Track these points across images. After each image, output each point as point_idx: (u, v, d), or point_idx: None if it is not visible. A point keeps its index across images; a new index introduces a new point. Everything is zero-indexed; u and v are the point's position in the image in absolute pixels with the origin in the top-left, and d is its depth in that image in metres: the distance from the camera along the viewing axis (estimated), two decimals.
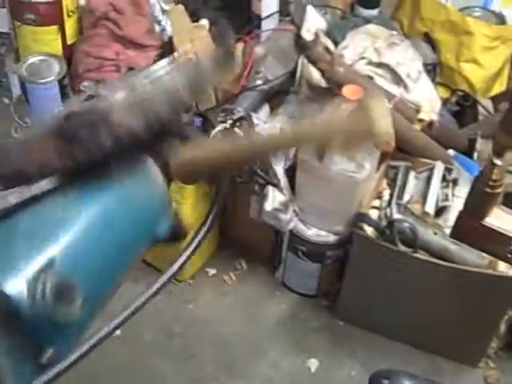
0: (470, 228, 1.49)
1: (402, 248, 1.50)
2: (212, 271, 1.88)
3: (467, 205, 1.49)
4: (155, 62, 1.92)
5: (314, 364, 1.69)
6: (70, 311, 0.59)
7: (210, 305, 1.80)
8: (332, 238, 1.67)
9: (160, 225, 0.81)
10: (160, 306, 1.77)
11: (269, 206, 1.60)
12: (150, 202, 0.76)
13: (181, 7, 1.96)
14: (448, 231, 1.55)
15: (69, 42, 1.90)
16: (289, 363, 1.69)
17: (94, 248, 0.66)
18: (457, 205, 1.58)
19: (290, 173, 1.63)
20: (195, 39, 1.79)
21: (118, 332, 1.69)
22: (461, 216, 1.51)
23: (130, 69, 1.91)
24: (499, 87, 1.98)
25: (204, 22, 1.99)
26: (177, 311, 1.78)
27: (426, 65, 1.78)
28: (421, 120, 1.62)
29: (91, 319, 0.61)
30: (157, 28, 2.04)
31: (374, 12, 1.97)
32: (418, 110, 1.63)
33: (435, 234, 1.53)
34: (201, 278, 1.86)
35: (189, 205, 1.69)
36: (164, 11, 2.06)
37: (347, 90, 1.48)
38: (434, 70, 1.88)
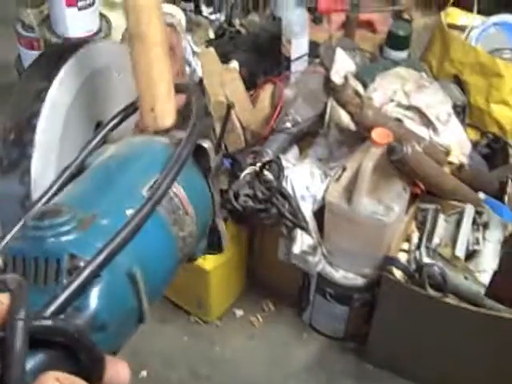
0: (505, 288, 1.47)
1: (432, 292, 1.48)
2: (239, 312, 1.87)
3: (501, 265, 1.48)
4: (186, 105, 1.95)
5: None
6: None
7: (237, 347, 1.79)
8: (360, 281, 1.65)
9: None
10: (187, 346, 1.76)
11: (297, 248, 1.59)
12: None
13: (211, 50, 1.99)
14: (478, 276, 1.53)
15: None
16: None
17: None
18: (487, 249, 1.56)
19: (319, 215, 1.62)
20: (226, 82, 1.81)
21: (144, 373, 1.70)
22: (495, 276, 1.49)
23: None
24: None
25: (234, 63, 2.02)
26: (204, 353, 1.77)
27: (455, 107, 1.77)
28: (450, 163, 1.61)
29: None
30: (187, 70, 2.07)
31: (403, 54, 1.98)
32: (447, 153, 1.62)
33: (466, 278, 1.51)
34: (228, 319, 1.85)
35: None
36: (195, 53, 2.10)
37: (376, 134, 1.49)
38: (464, 112, 1.87)
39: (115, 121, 0.73)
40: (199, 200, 0.65)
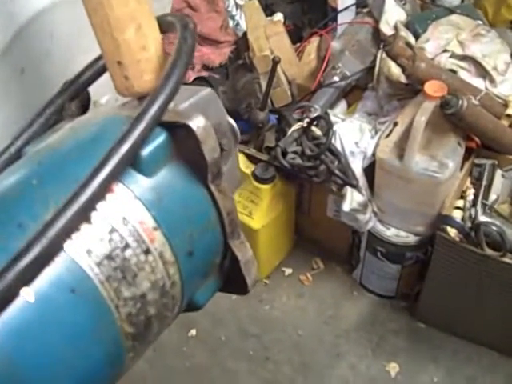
0: None
1: (489, 252, 1.43)
2: (288, 271, 1.85)
3: None
4: (230, 58, 1.91)
5: (394, 368, 1.64)
6: None
7: (287, 306, 1.78)
8: (412, 239, 1.61)
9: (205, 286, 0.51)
10: (236, 305, 1.76)
11: (347, 206, 1.55)
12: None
13: (255, 2, 1.93)
14: None
15: None
16: (367, 367, 1.65)
17: None
18: None
19: (369, 172, 1.57)
20: (271, 36, 1.76)
21: (194, 332, 1.71)
22: None
23: (205, 66, 1.90)
24: None
25: (279, 16, 1.96)
26: (253, 312, 1.76)
27: None
28: (509, 115, 1.53)
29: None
30: (230, 23, 2.02)
31: (457, 1, 1.87)
32: (505, 105, 1.54)
33: None
34: (277, 277, 1.84)
35: (264, 205, 1.66)
36: (238, 6, 2.04)
37: (429, 87, 1.42)
38: None
39: (71, 89, 0.54)
40: (187, 221, 0.45)
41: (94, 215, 0.40)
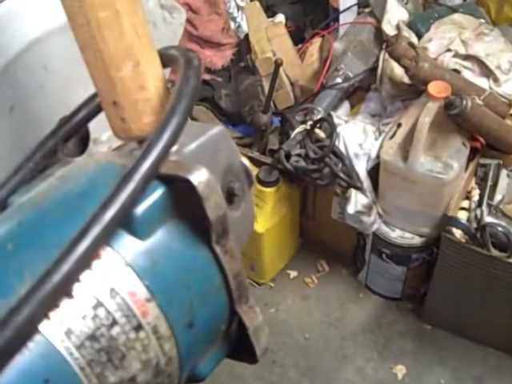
0: None
1: (495, 252, 1.42)
2: (293, 273, 1.84)
3: None
4: (232, 61, 1.90)
5: (400, 370, 1.63)
6: None
7: (292, 309, 1.77)
8: (418, 241, 1.60)
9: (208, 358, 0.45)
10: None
11: (351, 208, 1.54)
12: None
13: (256, 3, 1.92)
14: None
15: None
16: (374, 369, 1.64)
17: None
18: None
19: (373, 174, 1.56)
20: (273, 38, 1.75)
21: None
22: None
23: (207, 69, 1.89)
24: None
25: (280, 17, 1.95)
26: None
27: None
28: None
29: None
30: (232, 25, 2.01)
31: None
32: (510, 104, 1.53)
33: None
34: (282, 280, 1.83)
35: (268, 208, 1.66)
36: (239, 7, 2.04)
37: (433, 87, 1.41)
38: None
39: (64, 129, 0.49)
40: (187, 289, 0.39)
41: (76, 287, 0.35)
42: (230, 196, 0.46)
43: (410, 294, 1.74)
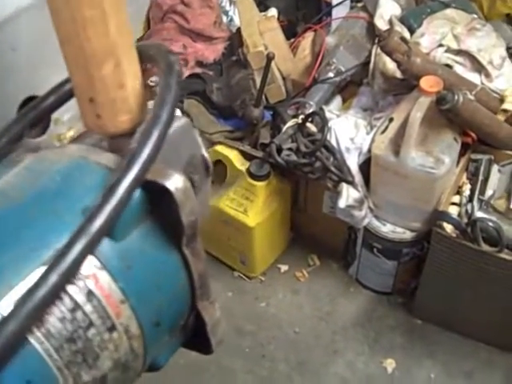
0: None
1: (485, 247, 1.42)
2: (284, 267, 1.84)
3: None
4: (224, 55, 1.89)
5: (390, 364, 1.63)
6: None
7: (283, 303, 1.77)
8: (408, 235, 1.60)
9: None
10: (232, 302, 1.75)
11: (343, 203, 1.54)
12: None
13: None
14: None
15: (136, 36, 1.89)
16: (364, 363, 1.64)
17: None
18: None
19: (364, 168, 1.56)
20: (265, 32, 1.74)
21: None
22: None
23: (199, 62, 1.88)
24: None
25: (273, 11, 1.95)
26: (249, 309, 1.75)
27: (509, 49, 1.67)
28: (505, 110, 1.52)
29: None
30: (224, 19, 2.00)
31: None
32: (501, 100, 1.53)
33: None
34: (273, 274, 1.83)
35: (260, 202, 1.65)
36: (231, 1, 2.03)
37: (425, 82, 1.41)
38: None
39: (31, 115, 0.48)
40: (157, 290, 0.40)
41: None
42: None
43: (400, 289, 1.74)
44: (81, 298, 0.36)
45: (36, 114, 0.48)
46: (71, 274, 0.35)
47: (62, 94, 0.49)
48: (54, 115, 0.52)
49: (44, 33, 0.43)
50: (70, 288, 0.36)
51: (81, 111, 0.45)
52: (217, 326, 0.46)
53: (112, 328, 0.37)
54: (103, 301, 0.37)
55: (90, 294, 0.36)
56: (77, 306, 0.36)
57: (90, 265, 0.37)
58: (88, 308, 0.36)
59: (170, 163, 0.42)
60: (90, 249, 0.36)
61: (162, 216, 0.41)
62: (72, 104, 0.48)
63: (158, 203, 0.40)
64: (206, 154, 0.49)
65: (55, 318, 0.35)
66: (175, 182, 0.39)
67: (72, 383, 0.35)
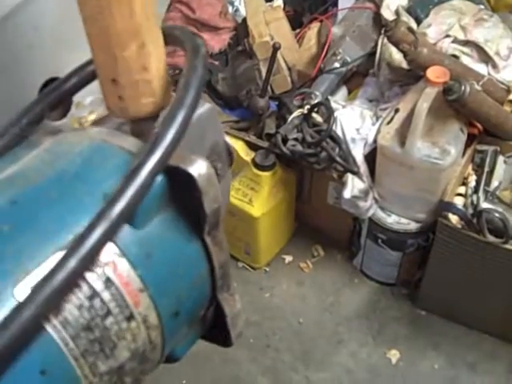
0: None
1: (491, 238, 1.42)
2: (288, 258, 1.84)
3: None
4: (229, 45, 1.89)
5: (394, 355, 1.64)
6: None
7: (287, 293, 1.77)
8: (413, 226, 1.60)
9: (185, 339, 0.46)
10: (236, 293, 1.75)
11: (348, 193, 1.54)
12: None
13: None
14: None
15: None
16: (368, 354, 1.64)
17: None
18: None
19: (370, 159, 1.56)
20: (271, 22, 1.74)
21: None
22: None
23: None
24: None
25: (279, 1, 1.94)
26: (253, 300, 1.75)
27: None
28: None
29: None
30: (230, 9, 2.00)
31: None
32: (508, 91, 1.53)
33: None
34: (277, 265, 1.83)
35: (265, 192, 1.65)
36: None
37: (432, 72, 1.41)
38: None
39: (53, 96, 0.47)
40: (178, 279, 0.40)
41: None
42: None
43: (404, 280, 1.74)
44: (99, 286, 0.35)
45: (57, 96, 0.47)
46: (90, 260, 0.34)
47: (85, 76, 0.48)
48: (76, 99, 0.51)
49: (67, 12, 0.42)
50: (88, 275, 0.35)
51: (103, 93, 0.44)
52: (237, 318, 0.46)
53: (130, 317, 0.36)
54: (122, 289, 0.36)
55: (108, 282, 0.36)
56: (95, 294, 0.35)
57: (109, 251, 0.36)
58: (106, 296, 0.35)
59: (193, 150, 0.41)
60: (110, 234, 0.35)
61: (184, 203, 0.40)
62: (94, 88, 0.47)
63: (180, 190, 0.39)
64: (229, 142, 0.48)
65: (72, 306, 0.34)
66: (199, 168, 0.38)
67: (88, 373, 0.34)
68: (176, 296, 0.39)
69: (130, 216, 0.36)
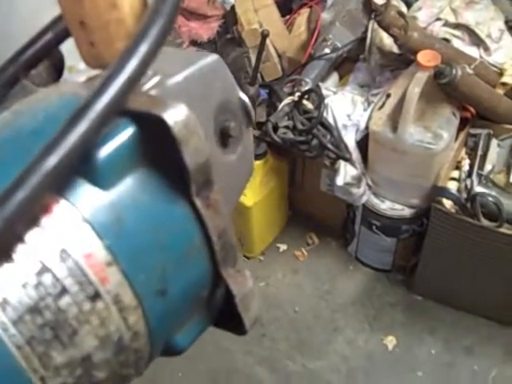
0: None
1: (485, 222, 1.41)
2: (283, 247, 1.83)
3: None
4: (218, 33, 1.87)
5: (391, 341, 1.63)
6: None
7: (282, 282, 1.76)
8: (407, 212, 1.59)
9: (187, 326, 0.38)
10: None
11: (340, 180, 1.53)
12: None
13: None
14: None
15: None
16: (365, 341, 1.64)
17: None
18: None
19: (362, 145, 1.55)
20: (259, 9, 1.72)
21: None
22: None
23: (193, 41, 1.86)
24: None
25: None
26: None
27: (507, 22, 1.65)
28: (504, 84, 1.51)
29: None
30: None
31: None
32: (500, 73, 1.51)
33: None
34: (272, 254, 1.82)
35: (257, 181, 1.64)
36: None
37: (423, 56, 1.39)
38: None
39: (26, 55, 0.40)
40: (159, 250, 0.32)
41: (17, 248, 0.28)
42: (225, 137, 0.39)
43: (400, 266, 1.73)
44: (50, 258, 0.29)
45: (32, 53, 0.41)
46: (19, 218, 0.28)
47: (62, 29, 0.41)
48: (68, 63, 0.47)
49: None
50: (37, 245, 0.29)
51: (75, 42, 0.38)
52: (249, 298, 0.37)
53: (95, 296, 0.29)
54: (82, 262, 0.29)
55: (63, 253, 0.29)
56: (44, 268, 0.29)
57: (68, 218, 0.30)
58: (60, 270, 0.29)
59: (195, 109, 0.34)
60: (46, 185, 0.29)
61: (164, 160, 0.33)
62: None
63: (159, 144, 0.32)
64: (244, 97, 0.42)
65: (14, 284, 0.28)
66: (175, 113, 0.31)
67: (38, 365, 0.28)
68: (158, 270, 0.32)
69: (75, 166, 0.30)
